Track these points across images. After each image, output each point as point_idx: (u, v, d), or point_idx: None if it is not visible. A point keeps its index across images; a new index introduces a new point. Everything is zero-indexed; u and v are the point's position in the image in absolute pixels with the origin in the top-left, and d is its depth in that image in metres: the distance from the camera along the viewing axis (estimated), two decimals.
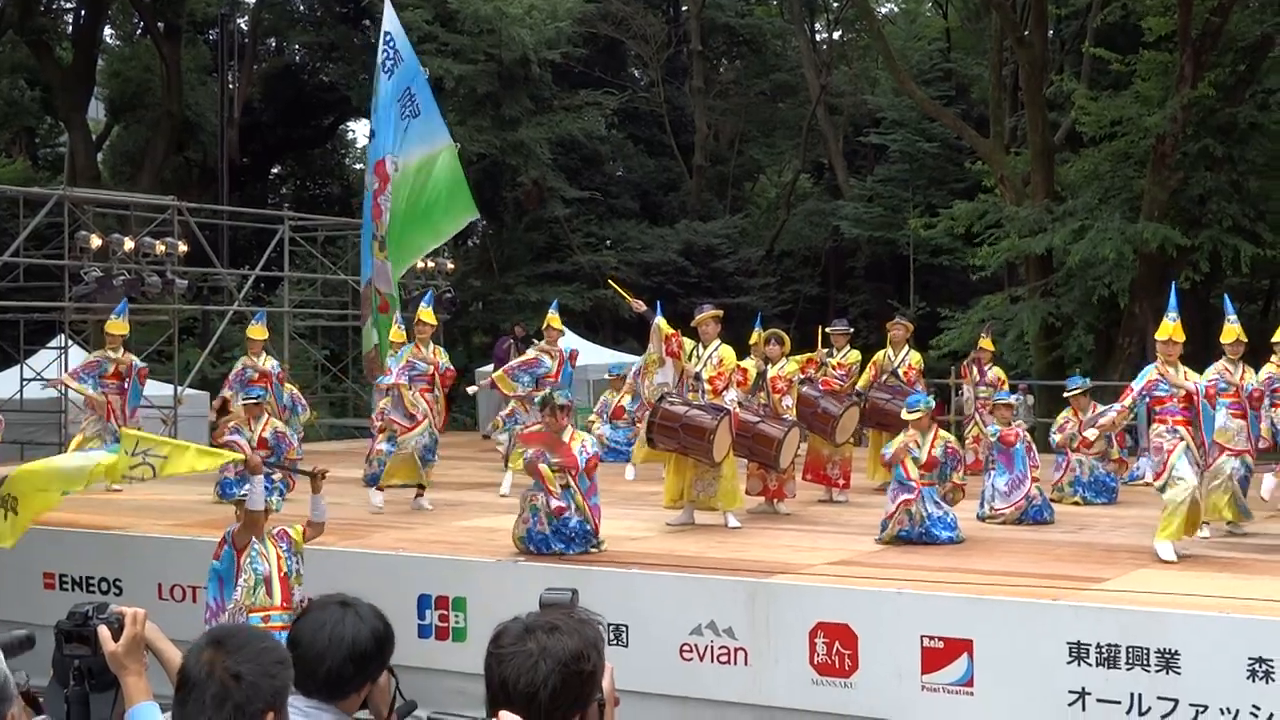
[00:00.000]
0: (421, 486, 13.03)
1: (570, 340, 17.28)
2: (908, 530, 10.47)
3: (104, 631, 3.04)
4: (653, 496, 12.27)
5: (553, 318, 15.86)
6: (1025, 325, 23.21)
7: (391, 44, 15.24)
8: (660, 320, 11.59)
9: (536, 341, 15.53)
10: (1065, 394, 13.76)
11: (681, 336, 11.56)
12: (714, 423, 10.97)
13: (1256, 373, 11.35)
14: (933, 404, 11.01)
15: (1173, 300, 10.65)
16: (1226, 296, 12.24)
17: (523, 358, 11.71)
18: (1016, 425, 12.36)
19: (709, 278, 32.21)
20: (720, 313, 11.77)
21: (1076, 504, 13.02)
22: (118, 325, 15.10)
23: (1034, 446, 12.39)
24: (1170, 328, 10.41)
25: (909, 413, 10.92)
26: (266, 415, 13.72)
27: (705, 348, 11.52)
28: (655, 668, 8.89)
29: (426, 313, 13.55)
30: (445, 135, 15.89)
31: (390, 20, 15.45)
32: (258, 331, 16.14)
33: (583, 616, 2.66)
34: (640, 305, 12.00)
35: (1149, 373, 10.37)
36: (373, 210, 14.96)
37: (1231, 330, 11.20)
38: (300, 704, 2.91)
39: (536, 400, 11.18)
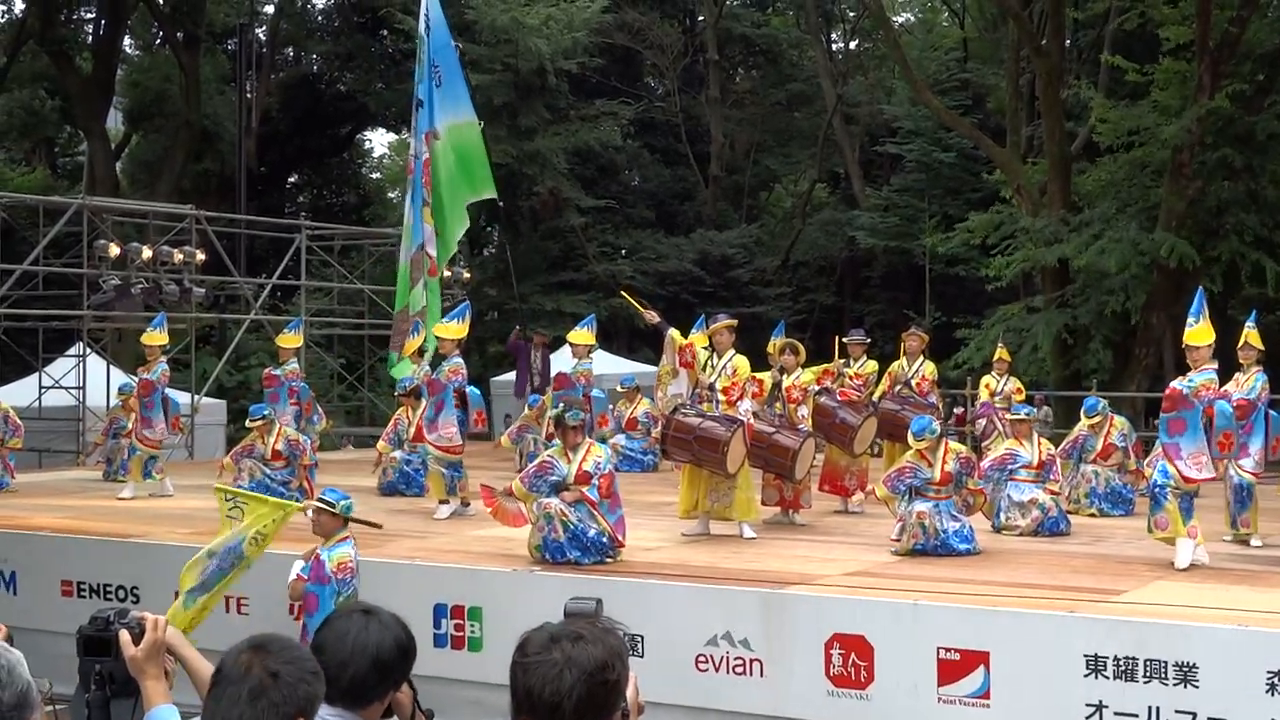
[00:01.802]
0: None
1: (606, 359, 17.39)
2: (923, 543, 10.45)
3: (125, 636, 3.06)
4: (668, 507, 12.25)
5: (577, 334, 15.83)
6: (1040, 338, 23.14)
7: (428, 13, 15.62)
8: (674, 331, 11.60)
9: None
10: (1085, 418, 13.59)
11: (695, 347, 11.54)
12: (727, 434, 10.95)
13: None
14: (938, 429, 10.95)
15: (1194, 305, 10.59)
16: (1255, 310, 12.18)
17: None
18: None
19: (724, 287, 32.23)
20: (734, 322, 11.73)
21: (1093, 515, 12.97)
22: (156, 337, 15.06)
23: (1056, 460, 12.35)
24: (1187, 332, 10.41)
25: (915, 440, 10.86)
26: (277, 427, 13.73)
27: (719, 358, 11.50)
28: (671, 678, 8.87)
29: (441, 328, 13.51)
30: (469, 110, 16.07)
31: None
32: (290, 340, 16.18)
33: (607, 626, 2.67)
34: (653, 316, 11.96)
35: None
36: (423, 176, 15.20)
37: (1241, 335, 11.20)
38: (323, 711, 2.92)
39: (550, 415, 11.18)
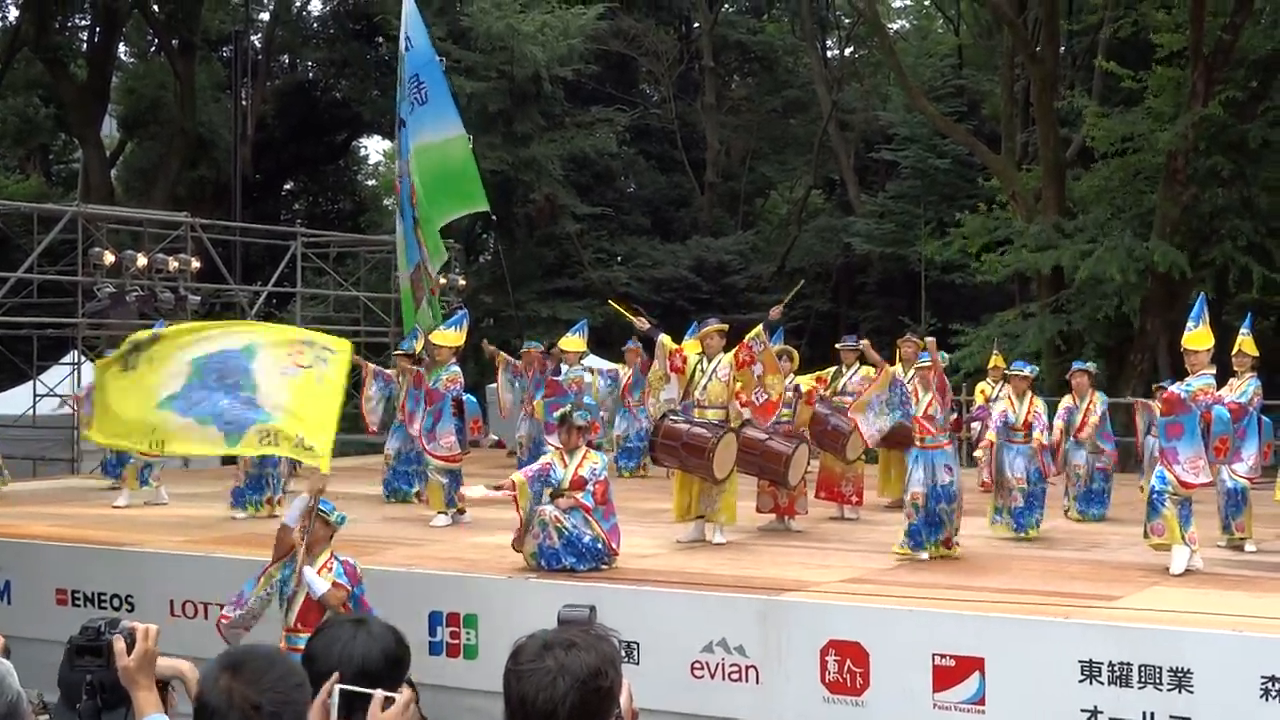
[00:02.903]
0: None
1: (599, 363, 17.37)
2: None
3: (119, 644, 3.05)
4: (663, 514, 12.26)
5: (569, 340, 15.78)
6: (1028, 343, 23.14)
7: (408, 31, 15.60)
8: (664, 337, 11.65)
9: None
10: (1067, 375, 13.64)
11: (685, 352, 11.59)
12: (714, 440, 10.97)
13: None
14: (939, 358, 11.11)
15: (1194, 309, 10.63)
16: (1250, 313, 12.22)
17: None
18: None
19: (720, 294, 32.22)
20: (725, 327, 11.77)
21: (1076, 520, 13.01)
22: None
23: (1040, 417, 12.28)
24: (1186, 336, 10.44)
25: (918, 364, 11.30)
26: None
27: (709, 362, 11.53)
28: (666, 685, 8.87)
29: (439, 335, 13.48)
30: (457, 124, 16.01)
31: (407, 3, 15.75)
32: None
33: (600, 633, 2.67)
34: (644, 324, 11.99)
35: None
36: (411, 195, 15.18)
37: (1236, 342, 11.24)
38: None
39: (555, 416, 11.10)
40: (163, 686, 3.11)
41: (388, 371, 14.91)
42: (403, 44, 15.76)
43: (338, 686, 2.93)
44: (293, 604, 8.45)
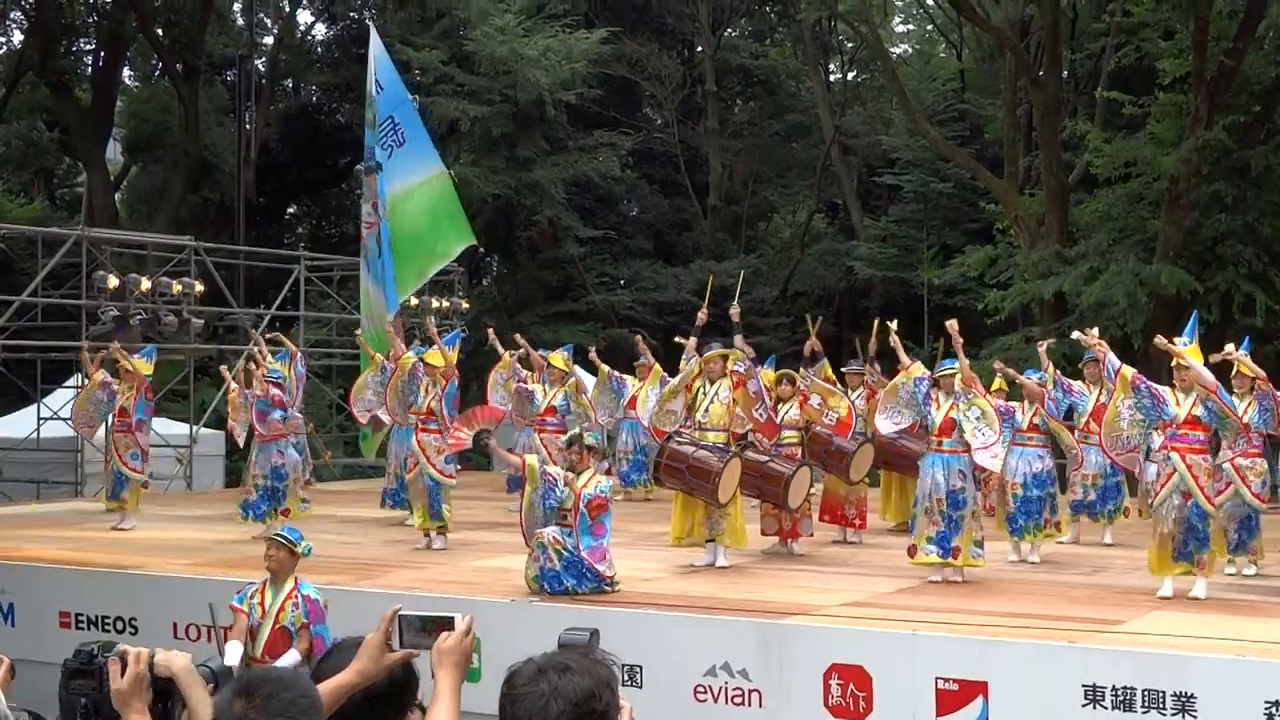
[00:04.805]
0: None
1: (585, 379, 17.33)
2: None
3: (114, 667, 3.04)
4: (665, 537, 12.24)
5: (554, 356, 15.81)
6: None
7: (377, 74, 15.41)
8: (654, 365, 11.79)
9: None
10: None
11: (691, 381, 11.72)
12: (720, 465, 10.98)
13: None
14: (954, 367, 11.09)
15: (1188, 327, 10.68)
16: (1247, 338, 12.26)
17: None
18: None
19: (723, 317, 32.10)
20: (727, 352, 11.82)
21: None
22: (144, 366, 15.14)
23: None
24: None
25: (939, 371, 11.18)
26: None
27: (711, 385, 11.56)
28: (669, 709, 8.85)
29: (431, 355, 13.44)
30: (437, 162, 15.88)
31: (374, 45, 15.59)
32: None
33: (596, 657, 2.67)
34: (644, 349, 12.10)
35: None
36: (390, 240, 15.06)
37: (1236, 364, 11.31)
38: None
39: (563, 441, 11.10)
40: (165, 699, 3.09)
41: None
42: (371, 87, 15.44)
43: (400, 614, 2.98)
44: (258, 635, 8.40)
